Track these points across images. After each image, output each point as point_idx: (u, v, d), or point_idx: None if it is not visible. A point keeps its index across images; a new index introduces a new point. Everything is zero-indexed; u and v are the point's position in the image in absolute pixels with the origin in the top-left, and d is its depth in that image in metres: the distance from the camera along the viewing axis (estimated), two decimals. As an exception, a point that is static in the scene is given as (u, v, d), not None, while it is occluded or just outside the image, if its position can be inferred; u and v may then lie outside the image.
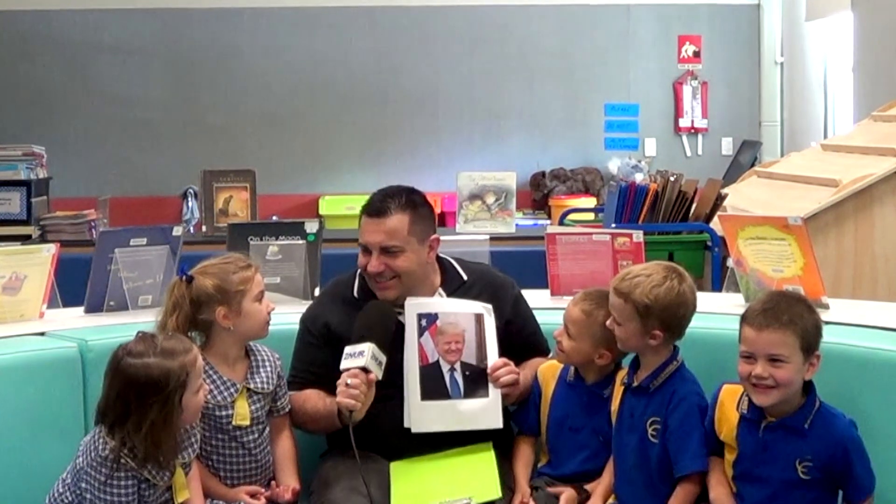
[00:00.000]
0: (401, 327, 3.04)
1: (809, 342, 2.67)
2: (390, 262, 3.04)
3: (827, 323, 3.10)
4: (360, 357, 2.89)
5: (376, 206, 3.07)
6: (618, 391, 2.95)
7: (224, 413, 2.96)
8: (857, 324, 3.09)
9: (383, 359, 2.92)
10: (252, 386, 3.00)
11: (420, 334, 3.03)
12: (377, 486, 2.92)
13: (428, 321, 3.04)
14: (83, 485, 2.67)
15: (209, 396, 2.91)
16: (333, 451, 3.13)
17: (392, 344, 2.99)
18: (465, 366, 3.02)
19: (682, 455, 2.80)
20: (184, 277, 2.96)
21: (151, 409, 2.62)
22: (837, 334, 3.00)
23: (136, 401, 2.62)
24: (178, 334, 2.81)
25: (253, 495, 2.96)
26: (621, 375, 2.97)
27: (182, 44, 9.58)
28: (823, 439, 2.68)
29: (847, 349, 2.90)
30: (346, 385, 2.88)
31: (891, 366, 2.81)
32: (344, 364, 2.90)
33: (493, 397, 3.00)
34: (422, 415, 2.98)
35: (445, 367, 3.02)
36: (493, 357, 3.03)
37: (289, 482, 3.01)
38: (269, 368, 3.05)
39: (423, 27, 9.66)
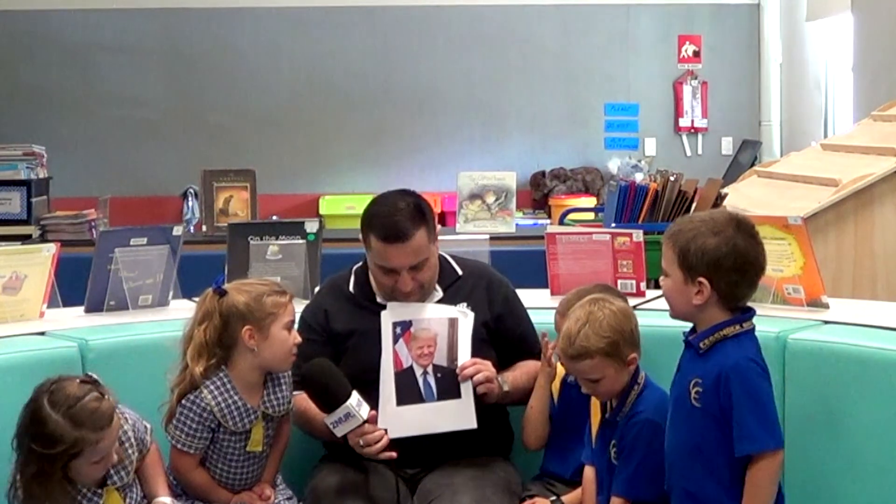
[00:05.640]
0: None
1: None
2: (419, 276, 3.06)
3: (827, 322, 3.12)
4: (352, 418, 2.87)
5: (396, 232, 3.01)
6: None
7: (239, 441, 2.93)
8: (856, 323, 3.08)
9: (361, 401, 2.90)
10: (271, 411, 2.96)
11: (395, 341, 3.05)
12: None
13: (402, 328, 3.06)
14: None
15: (230, 423, 2.89)
16: (331, 459, 3.12)
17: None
18: (436, 368, 3.03)
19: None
20: (216, 290, 2.92)
21: (31, 456, 2.58)
22: (837, 334, 3.00)
23: (25, 440, 2.60)
24: (110, 400, 2.64)
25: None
26: None
27: (182, 44, 9.58)
28: None
29: (847, 349, 2.89)
30: (362, 445, 2.88)
31: (891, 366, 2.80)
32: (340, 431, 2.89)
33: (465, 398, 3.00)
34: (398, 420, 2.98)
35: (419, 371, 3.03)
36: (464, 358, 3.02)
37: (262, 486, 2.99)
38: (284, 387, 3.00)
39: (423, 27, 9.65)
